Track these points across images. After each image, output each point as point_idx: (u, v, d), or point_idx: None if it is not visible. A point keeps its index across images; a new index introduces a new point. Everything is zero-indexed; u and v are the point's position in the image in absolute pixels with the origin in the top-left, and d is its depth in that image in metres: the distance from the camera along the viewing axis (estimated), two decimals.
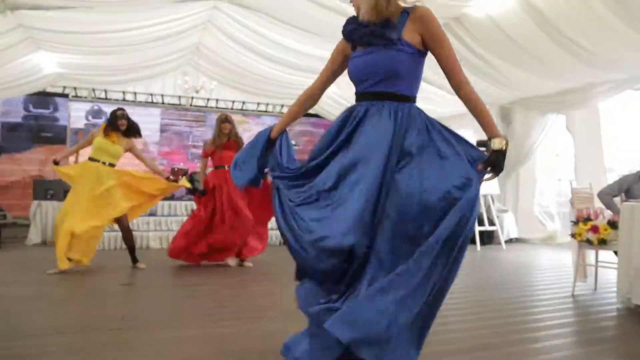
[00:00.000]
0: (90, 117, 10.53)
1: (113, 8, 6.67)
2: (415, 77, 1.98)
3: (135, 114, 10.49)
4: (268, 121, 12.15)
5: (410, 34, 1.87)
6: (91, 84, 10.29)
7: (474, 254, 6.83)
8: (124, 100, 10.76)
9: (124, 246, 5.00)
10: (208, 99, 11.31)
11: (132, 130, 4.97)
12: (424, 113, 1.94)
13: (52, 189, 7.19)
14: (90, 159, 4.80)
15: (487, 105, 8.49)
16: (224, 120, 5.37)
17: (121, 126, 4.86)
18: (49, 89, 10.00)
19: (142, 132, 5.27)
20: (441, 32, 1.90)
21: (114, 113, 4.99)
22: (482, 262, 6.14)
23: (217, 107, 11.62)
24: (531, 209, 8.50)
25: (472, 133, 9.43)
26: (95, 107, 10.60)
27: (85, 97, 10.52)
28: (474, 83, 7.24)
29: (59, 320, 2.97)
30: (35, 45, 7.58)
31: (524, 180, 8.59)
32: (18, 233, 7.59)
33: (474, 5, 5.70)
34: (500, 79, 7.18)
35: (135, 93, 10.87)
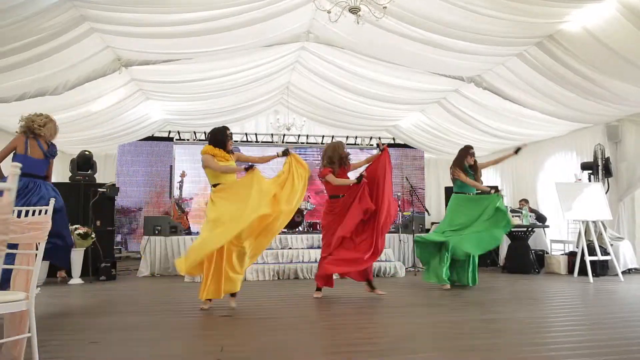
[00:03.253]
0: None
1: (210, 57, 7.24)
2: None
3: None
4: (358, 152, 12.28)
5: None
6: (193, 127, 11.14)
7: (585, 286, 6.21)
8: None
9: None
10: (299, 135, 11.70)
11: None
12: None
13: (159, 225, 7.77)
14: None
15: (591, 124, 7.99)
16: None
17: (230, 146, 4.83)
18: (156, 134, 10.99)
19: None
20: None
21: (224, 132, 4.85)
22: (597, 295, 5.56)
23: (307, 142, 11.97)
24: None
25: (574, 156, 8.78)
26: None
27: (188, 140, 11.39)
28: (574, 102, 6.91)
29: (163, 350, 3.15)
30: (145, 95, 8.42)
31: None
32: (131, 265, 8.29)
33: (570, 20, 5.39)
34: (605, 95, 6.64)
35: (231, 133, 11.54)
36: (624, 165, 7.80)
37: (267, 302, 5.09)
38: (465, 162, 6.20)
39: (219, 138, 4.82)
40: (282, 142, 11.79)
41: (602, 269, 7.14)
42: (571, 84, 6.51)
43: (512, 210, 8.57)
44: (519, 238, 7.98)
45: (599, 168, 7.81)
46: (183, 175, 10.13)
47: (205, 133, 11.44)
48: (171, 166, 11.11)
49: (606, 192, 7.55)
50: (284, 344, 3.35)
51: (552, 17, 5.37)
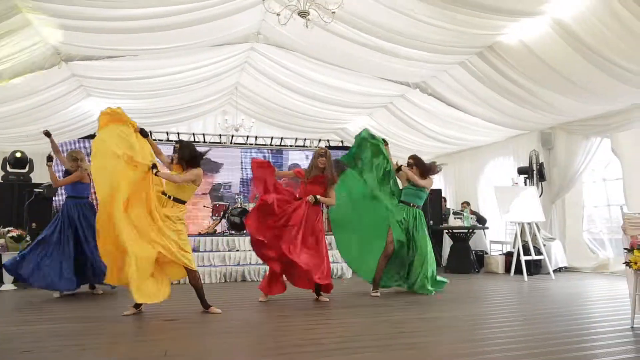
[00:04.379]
0: None
1: (156, 55, 7.07)
2: None
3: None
4: (306, 155, 12.34)
5: None
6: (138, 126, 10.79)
7: (520, 284, 6.57)
8: (167, 140, 11.20)
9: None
10: (247, 136, 11.62)
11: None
12: None
13: None
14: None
15: (527, 130, 8.43)
16: (322, 154, 5.31)
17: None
18: None
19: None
20: None
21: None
22: (530, 292, 5.89)
23: (256, 144, 11.91)
24: (580, 236, 8.15)
25: (512, 160, 9.25)
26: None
27: None
28: (512, 110, 7.30)
29: (103, 356, 3.05)
30: (86, 92, 8.08)
31: (571, 206, 8.27)
32: None
33: (508, 32, 5.69)
34: (539, 104, 7.06)
35: (178, 133, 11.30)
36: (556, 170, 8.31)
37: (212, 305, 5.02)
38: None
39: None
40: (231, 142, 11.66)
41: (535, 268, 7.57)
42: (509, 92, 6.87)
43: (454, 212, 8.92)
44: (460, 239, 8.31)
45: (533, 172, 8.28)
46: None
47: (150, 132, 11.11)
48: None
49: (540, 196, 8.01)
50: (228, 346, 3.33)
51: (490, 29, 5.65)
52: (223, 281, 6.96)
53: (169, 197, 4.52)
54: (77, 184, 5.76)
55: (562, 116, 7.65)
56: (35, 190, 6.94)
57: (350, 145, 11.98)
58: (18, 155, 7.32)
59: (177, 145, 4.75)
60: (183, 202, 4.58)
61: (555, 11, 5.09)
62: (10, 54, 5.72)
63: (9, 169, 7.25)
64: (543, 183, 8.29)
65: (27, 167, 7.47)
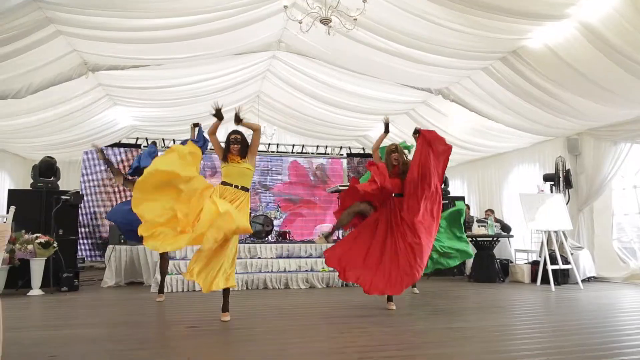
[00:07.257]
0: None
1: (180, 64, 7.17)
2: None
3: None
4: (326, 162, 12.32)
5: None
6: (161, 134, 10.97)
7: (548, 294, 6.40)
8: None
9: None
10: (269, 144, 11.68)
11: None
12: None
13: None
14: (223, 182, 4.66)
15: (553, 137, 8.18)
16: (393, 150, 5.18)
17: (233, 151, 4.80)
18: (124, 141, 10.77)
19: None
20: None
21: (227, 138, 4.89)
22: (558, 303, 5.73)
23: (277, 151, 11.96)
24: (609, 245, 7.91)
25: (537, 167, 9.07)
26: None
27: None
28: (536, 116, 7.14)
29: None
30: (112, 101, 8.25)
31: (599, 214, 8.05)
32: (95, 275, 8.06)
33: (532, 37, 5.60)
34: (565, 109, 6.91)
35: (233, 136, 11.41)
36: (583, 177, 8.11)
37: (235, 312, 5.02)
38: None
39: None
40: None
41: (563, 277, 7.37)
42: (534, 98, 6.75)
43: (478, 220, 8.77)
44: (484, 248, 8.16)
45: (560, 179, 8.09)
46: None
47: (174, 140, 11.26)
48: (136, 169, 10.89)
49: (567, 203, 7.82)
50: (251, 355, 3.31)
51: (515, 34, 5.57)
52: (245, 289, 6.97)
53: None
54: None
55: (589, 121, 7.47)
56: (62, 197, 7.08)
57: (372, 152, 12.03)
58: (50, 159, 7.45)
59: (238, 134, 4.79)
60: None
61: (582, 14, 4.98)
62: (39, 66, 5.88)
63: (40, 177, 7.41)
64: (570, 190, 8.09)
65: (55, 174, 7.62)
